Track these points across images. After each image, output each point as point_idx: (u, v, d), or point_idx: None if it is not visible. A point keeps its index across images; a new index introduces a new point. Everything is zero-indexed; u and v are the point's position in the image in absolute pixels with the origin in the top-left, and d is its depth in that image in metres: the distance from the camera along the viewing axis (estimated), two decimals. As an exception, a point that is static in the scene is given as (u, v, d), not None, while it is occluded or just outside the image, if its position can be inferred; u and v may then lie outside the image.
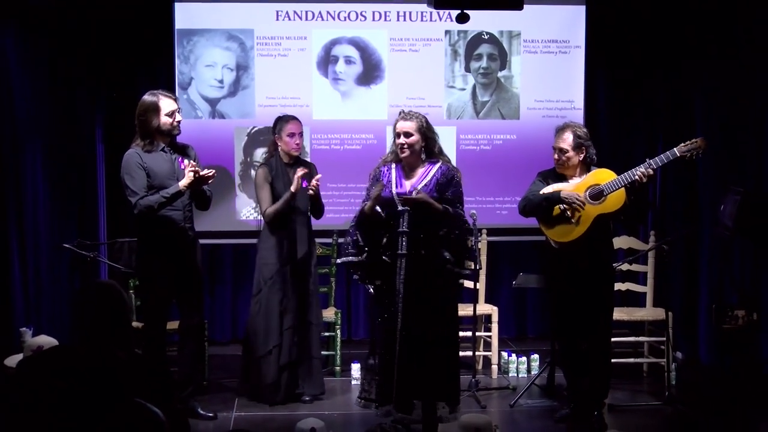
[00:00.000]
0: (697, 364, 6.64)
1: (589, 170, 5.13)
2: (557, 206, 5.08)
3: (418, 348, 4.76)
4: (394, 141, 4.90)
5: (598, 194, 5.02)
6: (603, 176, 5.06)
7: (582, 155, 5.10)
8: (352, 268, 4.97)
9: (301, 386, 5.67)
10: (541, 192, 5.14)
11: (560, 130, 5.15)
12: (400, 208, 4.79)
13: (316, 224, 5.82)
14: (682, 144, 4.98)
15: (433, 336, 4.78)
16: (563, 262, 5.18)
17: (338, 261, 5.10)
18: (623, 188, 4.98)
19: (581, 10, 7.12)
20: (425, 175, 4.88)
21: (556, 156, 5.16)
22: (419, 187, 4.82)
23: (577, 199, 5.01)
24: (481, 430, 4.09)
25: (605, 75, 7.42)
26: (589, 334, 5.20)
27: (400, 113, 4.92)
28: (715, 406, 5.54)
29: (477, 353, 6.24)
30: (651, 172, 4.90)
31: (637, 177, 4.90)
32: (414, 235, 4.76)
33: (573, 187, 5.09)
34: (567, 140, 5.09)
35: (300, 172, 5.42)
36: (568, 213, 5.06)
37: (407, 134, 4.84)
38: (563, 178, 5.17)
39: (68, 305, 6.67)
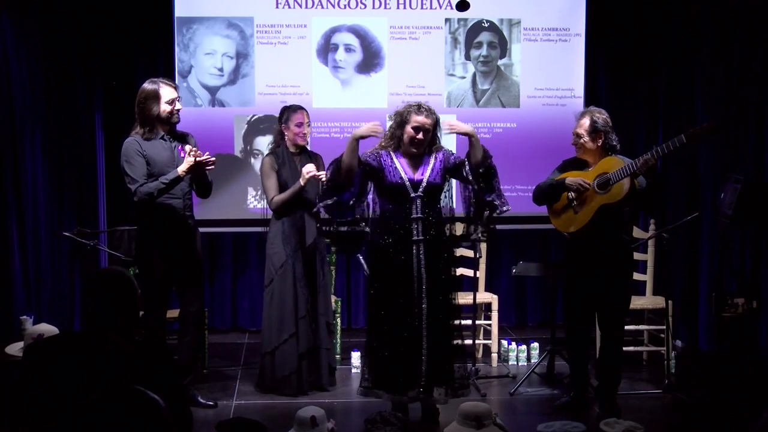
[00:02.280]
0: (696, 352, 6.65)
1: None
2: (565, 194, 5.05)
3: (438, 336, 4.83)
4: (400, 129, 4.89)
5: (605, 183, 4.95)
6: (612, 164, 4.97)
7: (600, 141, 5.02)
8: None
9: (314, 376, 5.66)
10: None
11: (580, 116, 5.11)
12: (412, 194, 4.84)
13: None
14: (691, 129, 4.84)
15: (447, 322, 4.87)
16: (575, 252, 5.15)
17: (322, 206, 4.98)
18: (629, 177, 4.90)
19: (582, -3, 7.11)
20: (428, 163, 4.91)
21: (573, 140, 5.12)
22: (427, 174, 4.86)
23: (581, 183, 4.96)
24: (481, 418, 4.10)
25: (605, 63, 7.40)
26: (602, 324, 5.19)
27: (419, 106, 4.87)
28: (714, 394, 5.55)
29: (477, 341, 6.25)
30: (649, 156, 4.80)
31: (639, 164, 4.83)
32: (427, 220, 4.82)
33: (583, 175, 5.03)
34: (584, 125, 5.03)
35: (307, 168, 5.40)
36: (575, 202, 5.03)
37: (427, 131, 4.85)
38: (585, 165, 5.11)
39: (79, 295, 6.70)
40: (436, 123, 4.92)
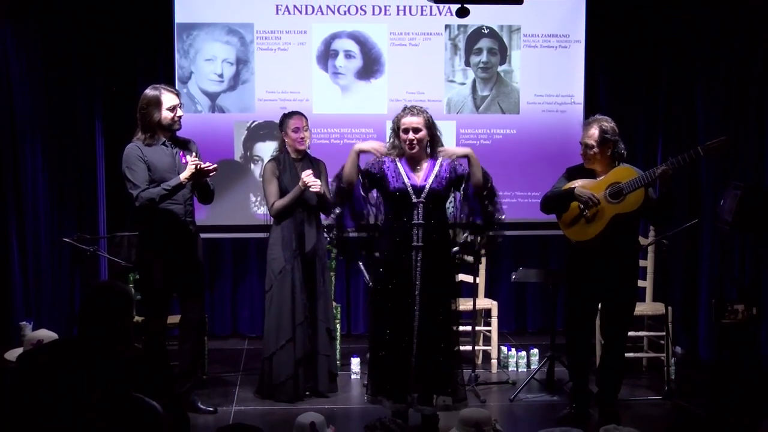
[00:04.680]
0: (696, 358, 6.65)
1: (616, 166, 5.01)
2: (575, 203, 4.99)
3: (431, 341, 4.82)
4: (398, 136, 4.90)
5: (617, 193, 4.90)
6: (624, 174, 4.93)
7: (609, 150, 4.97)
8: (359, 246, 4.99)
9: (311, 383, 5.66)
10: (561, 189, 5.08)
11: (587, 125, 5.04)
12: (415, 200, 4.83)
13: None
14: (708, 143, 4.81)
15: (445, 328, 4.87)
16: (581, 260, 5.10)
17: (342, 236, 4.98)
18: (642, 188, 4.86)
19: (581, 4, 7.11)
20: (431, 169, 4.90)
21: (581, 151, 5.06)
22: (430, 180, 4.86)
23: (590, 197, 4.90)
24: (481, 424, 4.09)
25: (605, 69, 7.41)
26: (606, 331, 5.16)
27: (405, 108, 4.91)
28: (714, 400, 5.55)
29: (476, 348, 6.24)
30: (666, 167, 4.77)
31: (657, 176, 4.79)
32: (428, 226, 4.82)
33: (594, 184, 4.98)
34: (593, 135, 4.95)
35: (306, 173, 5.41)
36: (586, 212, 4.98)
37: (416, 130, 4.85)
38: (591, 174, 5.05)
39: (78, 301, 6.69)
40: (429, 121, 4.91)
